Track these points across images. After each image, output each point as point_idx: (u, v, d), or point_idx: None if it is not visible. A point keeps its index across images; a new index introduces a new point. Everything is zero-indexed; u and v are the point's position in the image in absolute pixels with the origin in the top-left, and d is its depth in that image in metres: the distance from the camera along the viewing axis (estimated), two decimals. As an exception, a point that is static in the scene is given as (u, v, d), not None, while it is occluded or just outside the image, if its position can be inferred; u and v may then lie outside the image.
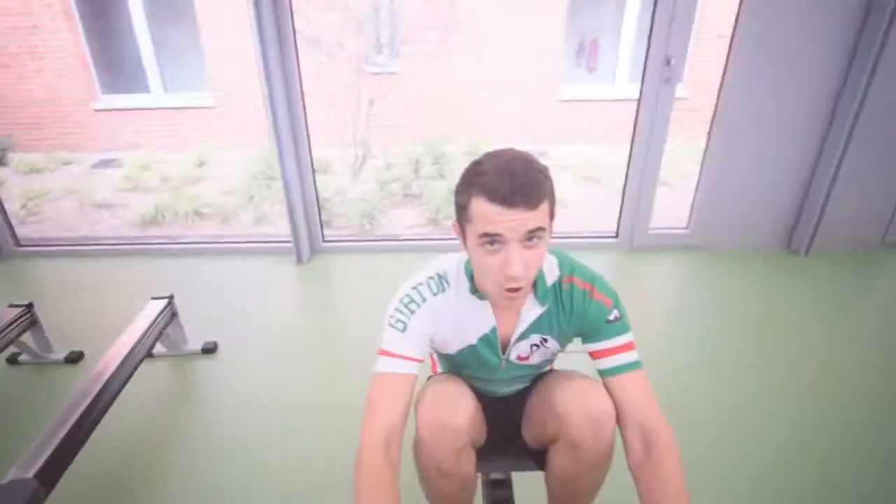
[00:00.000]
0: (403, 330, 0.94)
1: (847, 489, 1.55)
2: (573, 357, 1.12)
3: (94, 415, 1.53)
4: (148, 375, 2.11)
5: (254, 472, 1.66)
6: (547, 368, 1.19)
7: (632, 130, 2.90)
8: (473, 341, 1.01)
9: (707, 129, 2.92)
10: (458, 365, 1.10)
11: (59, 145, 6.04)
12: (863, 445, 1.71)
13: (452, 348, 1.03)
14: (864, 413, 1.85)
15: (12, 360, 2.19)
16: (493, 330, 1.00)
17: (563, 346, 1.05)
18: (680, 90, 2.81)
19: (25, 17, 5.60)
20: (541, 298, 0.97)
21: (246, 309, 2.60)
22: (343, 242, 3.22)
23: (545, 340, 1.02)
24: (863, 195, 2.92)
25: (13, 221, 3.25)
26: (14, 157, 5.66)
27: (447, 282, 0.98)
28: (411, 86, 5.73)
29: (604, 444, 0.94)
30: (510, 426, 1.18)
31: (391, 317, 0.96)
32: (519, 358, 1.05)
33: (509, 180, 0.79)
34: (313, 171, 3.01)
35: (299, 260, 3.04)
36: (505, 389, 1.16)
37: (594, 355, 0.98)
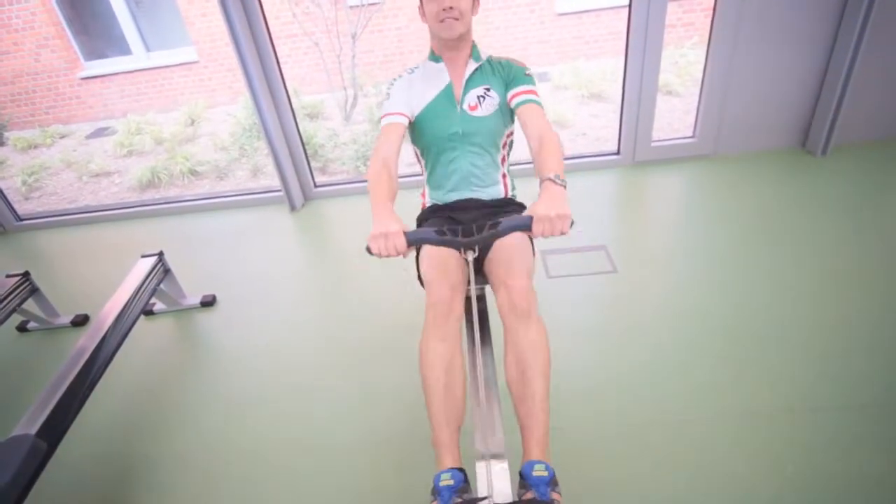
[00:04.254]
0: (388, 98, 1.40)
1: (867, 397, 1.51)
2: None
3: (94, 372, 1.56)
4: (150, 332, 2.15)
5: (256, 419, 1.70)
6: (501, 188, 1.48)
7: (625, 37, 2.67)
8: (435, 93, 1.39)
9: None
10: (430, 139, 1.41)
11: (51, 119, 5.99)
12: (886, 347, 1.64)
13: (421, 105, 1.39)
14: (889, 314, 1.76)
15: (22, 329, 2.25)
16: (449, 85, 1.40)
17: (502, 95, 1.38)
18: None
19: (-8, -12, 5.40)
20: (476, 58, 1.41)
21: (242, 261, 2.60)
22: (335, 186, 3.16)
23: (488, 90, 1.39)
24: (882, 86, 2.68)
25: (16, 198, 3.27)
26: (9, 136, 5.64)
27: (414, 67, 1.45)
28: (395, 15, 5.41)
29: (523, 283, 1.22)
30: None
31: (384, 95, 1.42)
32: (470, 108, 1.39)
33: None
34: (294, 117, 2.89)
35: (292, 208, 2.99)
36: (469, 162, 1.43)
37: (512, 97, 1.37)
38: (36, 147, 5.46)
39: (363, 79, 5.18)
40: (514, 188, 1.55)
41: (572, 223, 1.08)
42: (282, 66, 2.77)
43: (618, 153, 3.01)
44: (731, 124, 2.87)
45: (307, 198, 3.11)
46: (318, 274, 2.47)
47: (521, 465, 1.10)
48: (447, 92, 1.40)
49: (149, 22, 5.84)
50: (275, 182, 3.02)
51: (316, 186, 3.11)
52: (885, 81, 2.68)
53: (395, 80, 1.42)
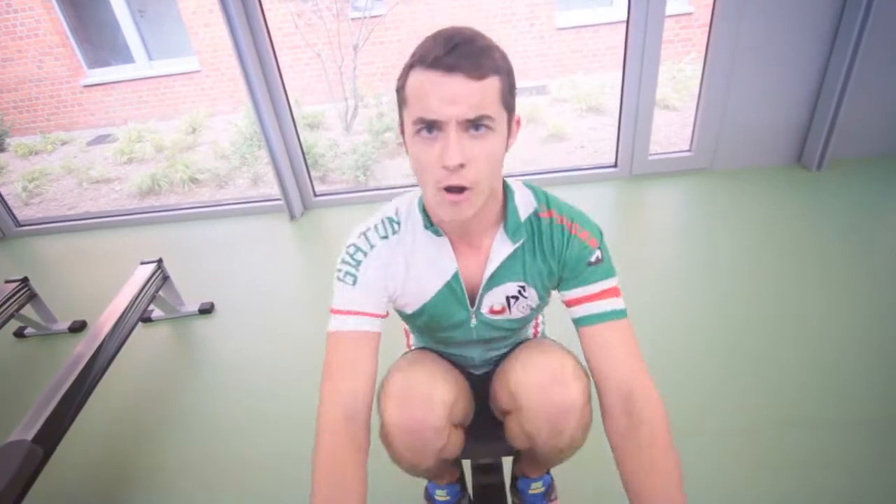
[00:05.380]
0: (354, 283, 0.80)
1: (870, 413, 1.51)
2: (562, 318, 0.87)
3: (90, 379, 1.56)
4: (147, 339, 2.15)
5: (252, 427, 1.70)
6: (530, 332, 1.03)
7: (623, 52, 2.72)
8: (434, 293, 0.83)
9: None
10: (426, 330, 0.94)
11: (52, 126, 6.02)
12: (885, 364, 1.64)
13: (413, 304, 0.86)
14: (887, 331, 1.77)
15: (19, 334, 2.25)
16: (456, 276, 0.82)
17: (543, 295, 0.87)
18: (684, 5, 2.59)
19: (-3, -4, 5.45)
20: (512, 234, 0.80)
21: (241, 269, 2.60)
22: (335, 196, 3.17)
23: (523, 289, 0.84)
24: (876, 101, 2.72)
25: (16, 204, 3.27)
26: (10, 142, 5.67)
27: (397, 222, 0.82)
28: (396, 27, 5.47)
29: (564, 439, 0.79)
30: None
31: (339, 270, 0.82)
32: (492, 311, 0.86)
33: (446, 41, 0.64)
34: (295, 126, 2.92)
35: (292, 217, 3.01)
36: (481, 359, 0.98)
37: (570, 303, 0.82)
38: (37, 153, 5.48)
39: (364, 90, 5.23)
40: (544, 324, 1.13)
41: None
42: (283, 76, 2.80)
43: (615, 166, 3.04)
44: (728, 138, 2.91)
45: (307, 207, 3.12)
46: (317, 282, 2.48)
47: (513, 471, 1.07)
48: (454, 284, 0.84)
49: (152, 31, 5.90)
50: (275, 191, 3.03)
51: (316, 196, 3.13)
52: (880, 97, 2.72)
53: (356, 248, 0.82)
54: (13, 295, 2.05)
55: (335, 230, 2.94)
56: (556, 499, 1.04)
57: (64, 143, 5.71)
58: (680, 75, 5.01)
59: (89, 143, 5.66)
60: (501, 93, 0.67)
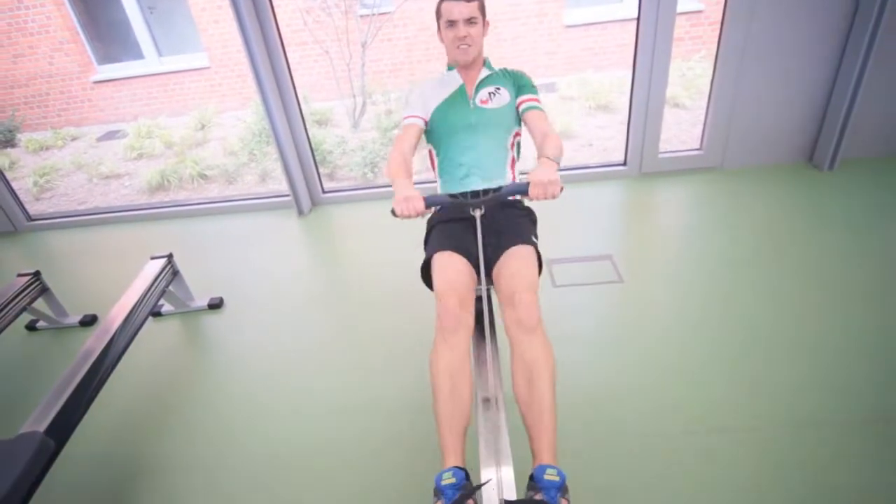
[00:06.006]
0: (407, 102, 1.60)
1: (876, 412, 1.50)
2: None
3: (102, 372, 1.58)
4: (158, 333, 2.17)
5: (261, 420, 1.71)
6: (509, 175, 1.58)
7: (633, 50, 2.70)
8: (450, 92, 1.57)
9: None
10: (443, 125, 1.56)
11: (63, 122, 6.06)
12: (892, 361, 1.63)
13: (436, 103, 1.57)
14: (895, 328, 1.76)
15: (31, 327, 2.27)
16: (461, 87, 1.58)
17: (511, 97, 1.56)
18: (695, 2, 2.57)
19: (9, -7, 5.49)
20: (489, 68, 1.60)
21: (249, 264, 2.62)
22: (343, 192, 3.18)
23: (498, 89, 1.57)
24: (890, 100, 2.68)
25: (27, 198, 3.30)
26: (21, 138, 5.72)
27: (430, 77, 1.64)
28: (404, 24, 5.46)
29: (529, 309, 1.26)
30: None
31: (405, 100, 1.56)
32: (482, 102, 1.56)
33: None
34: (304, 123, 2.93)
35: (300, 213, 3.02)
36: (482, 150, 1.53)
37: (520, 103, 1.56)
38: (47, 149, 5.52)
39: (372, 87, 5.23)
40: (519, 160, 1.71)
41: (562, 189, 1.25)
42: (292, 72, 2.81)
43: (624, 164, 3.02)
44: (739, 137, 2.88)
45: (315, 203, 3.13)
46: (325, 278, 2.48)
47: (532, 468, 1.10)
48: (461, 91, 1.57)
49: (162, 28, 5.92)
50: (283, 187, 3.04)
51: (324, 192, 3.13)
52: (893, 97, 2.68)
53: (410, 90, 1.55)
54: (25, 288, 2.07)
55: (343, 226, 2.94)
56: (568, 501, 1.05)
57: (74, 139, 5.75)
58: (690, 73, 4.96)
59: (99, 139, 5.70)
60: (481, 8, 1.49)
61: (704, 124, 2.93)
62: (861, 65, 2.52)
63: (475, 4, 1.46)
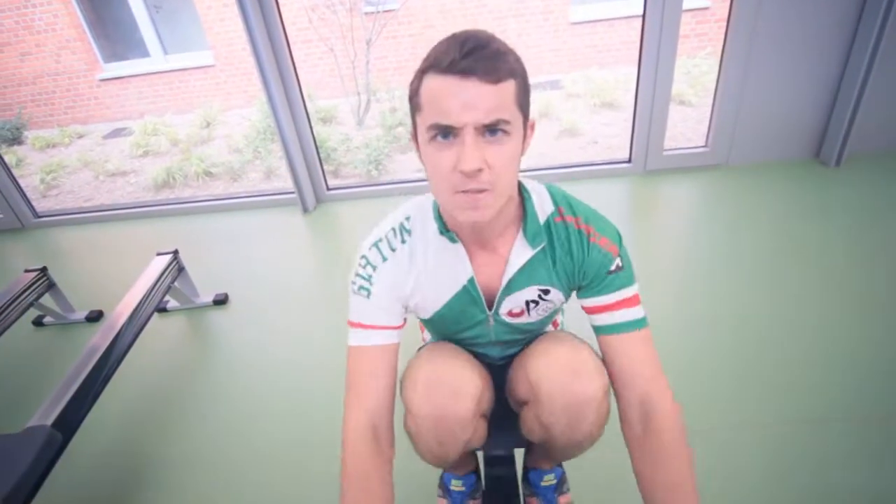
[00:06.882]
0: (368, 297, 0.82)
1: (881, 409, 1.49)
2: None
3: (108, 367, 1.59)
4: (163, 329, 2.18)
5: (266, 418, 1.71)
6: (550, 325, 1.00)
7: (638, 47, 2.68)
8: (449, 298, 0.82)
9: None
10: (443, 331, 0.93)
11: (69, 119, 6.11)
12: None
13: (429, 310, 0.86)
14: None
15: (38, 323, 2.29)
16: (472, 281, 0.81)
17: (564, 298, 0.86)
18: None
19: (17, -9, 5.53)
20: (531, 238, 0.77)
21: (254, 261, 2.63)
22: (348, 189, 3.18)
23: (546, 292, 0.82)
24: (898, 95, 2.67)
25: (34, 196, 3.33)
26: (28, 135, 5.76)
27: (408, 231, 0.81)
28: (409, 21, 5.46)
29: (581, 434, 0.80)
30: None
31: (353, 283, 0.83)
32: (511, 314, 0.85)
33: (461, 44, 0.62)
34: (309, 120, 2.93)
35: (305, 210, 3.03)
36: (500, 356, 0.98)
37: (589, 311, 0.82)
38: (54, 146, 5.56)
39: (377, 84, 5.24)
40: (563, 313, 1.12)
41: None
42: (297, 70, 2.81)
43: (629, 161, 3.01)
44: (744, 134, 2.86)
45: (319, 200, 3.14)
46: (330, 275, 2.49)
47: (525, 462, 1.07)
48: (470, 289, 0.83)
49: (167, 26, 5.95)
50: (288, 184, 3.05)
51: (328, 189, 3.14)
52: (901, 92, 2.66)
53: (367, 261, 0.84)
54: (32, 284, 2.09)
55: (348, 223, 2.95)
56: (568, 491, 1.04)
57: (80, 137, 5.79)
58: (696, 70, 4.94)
59: (105, 137, 5.73)
60: (517, 96, 0.66)
61: (710, 121, 2.91)
62: (868, 60, 2.50)
63: (506, 89, 0.65)
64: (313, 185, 3.08)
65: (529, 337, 0.93)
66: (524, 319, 0.86)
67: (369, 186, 3.23)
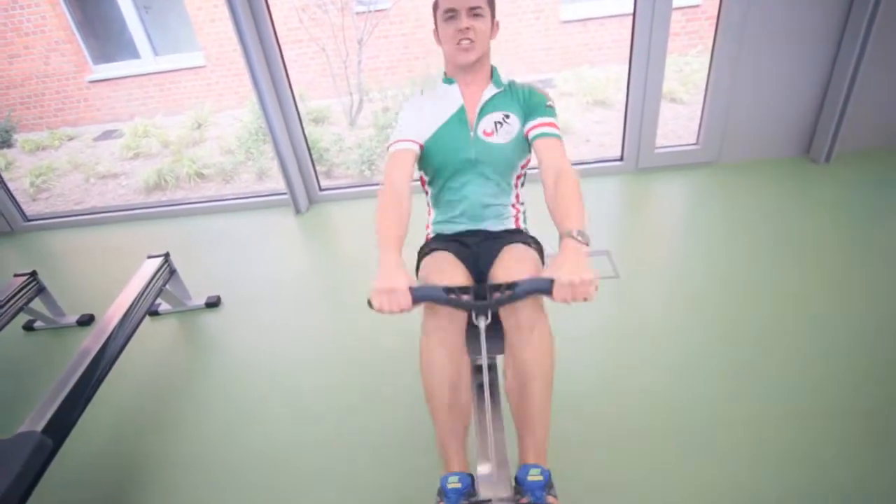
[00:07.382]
0: (397, 122, 1.31)
1: (874, 403, 1.51)
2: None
3: (99, 371, 1.58)
4: (155, 332, 2.17)
5: (259, 419, 1.71)
6: (512, 219, 1.36)
7: (629, 45, 2.69)
8: (446, 118, 1.29)
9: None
10: (437, 159, 1.30)
11: (59, 122, 6.05)
12: (890, 353, 1.64)
13: (431, 129, 1.29)
14: (893, 320, 1.76)
15: (28, 328, 2.27)
16: (461, 109, 1.29)
17: (521, 123, 1.28)
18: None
19: (4, -8, 5.47)
20: (497, 83, 1.31)
21: (247, 263, 2.62)
22: (340, 190, 3.18)
23: (507, 116, 1.28)
24: (885, 94, 2.69)
25: (24, 199, 3.30)
26: (17, 138, 5.71)
27: (420, 90, 1.36)
28: (400, 21, 5.45)
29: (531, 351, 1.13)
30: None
31: (395, 118, 1.39)
32: (485, 133, 1.28)
33: None
34: (300, 121, 2.92)
35: (297, 211, 3.02)
36: (480, 191, 1.32)
37: (531, 129, 1.26)
38: (44, 149, 5.51)
39: (369, 84, 5.22)
40: (525, 221, 1.42)
41: (596, 288, 0.97)
42: (288, 70, 2.80)
43: (621, 159, 3.02)
44: (735, 131, 2.88)
45: (312, 201, 3.13)
46: (322, 276, 2.48)
47: (518, 467, 1.10)
48: (459, 115, 1.29)
49: (157, 27, 5.91)
50: (280, 185, 3.04)
51: (321, 190, 3.13)
52: (889, 89, 2.69)
53: (404, 102, 1.34)
54: (22, 289, 2.07)
55: (340, 224, 2.94)
56: (555, 497, 1.05)
57: (70, 139, 5.74)
58: (687, 68, 4.97)
59: (96, 139, 5.68)
60: (488, 1, 1.24)
61: (701, 119, 2.93)
62: (857, 57, 2.52)
63: None
64: (305, 186, 3.07)
65: (501, 163, 1.30)
66: (494, 139, 1.28)
67: (362, 187, 3.23)
